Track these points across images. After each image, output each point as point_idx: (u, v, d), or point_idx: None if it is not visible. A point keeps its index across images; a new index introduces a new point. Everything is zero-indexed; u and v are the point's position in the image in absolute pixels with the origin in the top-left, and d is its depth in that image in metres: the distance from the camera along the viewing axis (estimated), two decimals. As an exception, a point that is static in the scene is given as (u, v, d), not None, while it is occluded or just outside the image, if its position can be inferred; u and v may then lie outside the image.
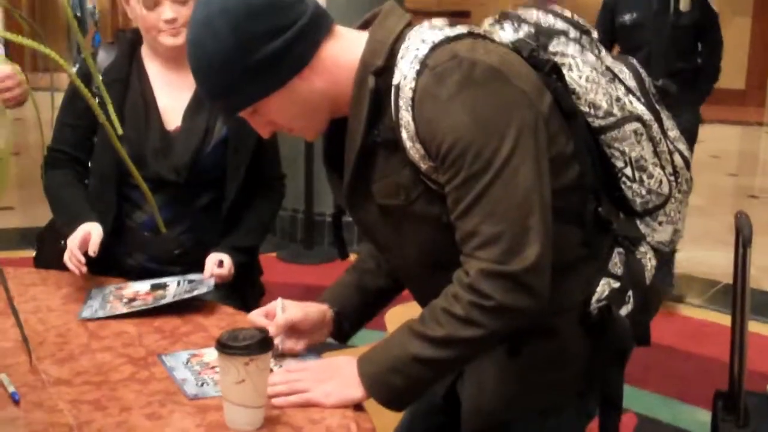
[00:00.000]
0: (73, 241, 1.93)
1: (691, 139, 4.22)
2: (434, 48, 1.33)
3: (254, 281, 2.34)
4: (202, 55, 1.35)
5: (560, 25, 1.48)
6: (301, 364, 1.51)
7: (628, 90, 1.49)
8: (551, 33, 1.46)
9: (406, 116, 1.33)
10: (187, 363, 1.60)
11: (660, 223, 1.51)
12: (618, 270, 1.47)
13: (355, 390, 1.40)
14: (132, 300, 1.88)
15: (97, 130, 2.16)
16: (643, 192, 1.48)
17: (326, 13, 1.40)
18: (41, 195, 2.17)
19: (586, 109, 1.45)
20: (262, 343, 1.33)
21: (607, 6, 4.50)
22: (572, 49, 1.46)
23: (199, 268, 2.06)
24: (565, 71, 1.44)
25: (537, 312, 1.33)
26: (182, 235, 2.16)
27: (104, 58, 2.20)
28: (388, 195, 1.41)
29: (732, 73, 11.37)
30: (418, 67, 1.32)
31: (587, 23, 1.52)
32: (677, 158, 1.52)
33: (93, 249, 1.92)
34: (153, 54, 2.20)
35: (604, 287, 1.45)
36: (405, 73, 1.33)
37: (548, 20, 1.48)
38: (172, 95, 2.18)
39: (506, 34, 1.48)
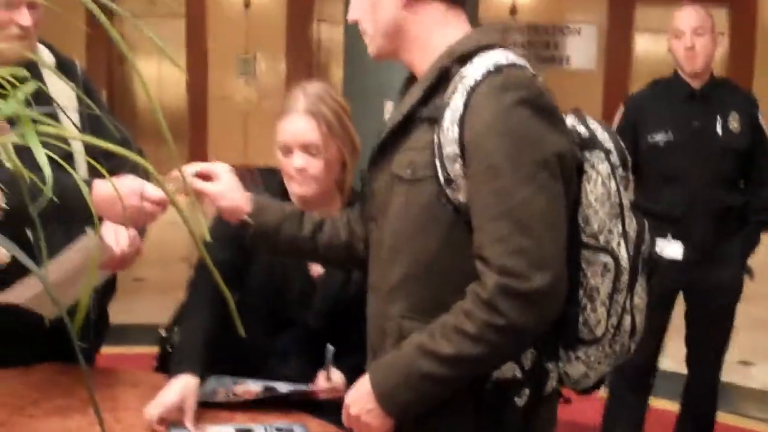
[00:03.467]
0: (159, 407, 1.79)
1: (733, 298, 3.23)
2: (515, 65, 1.43)
3: None
4: None
5: (609, 145, 1.53)
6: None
7: (624, 234, 1.50)
8: (596, 144, 1.51)
9: (457, 100, 1.42)
10: None
11: (577, 358, 1.50)
12: (526, 363, 1.46)
13: (367, 401, 1.45)
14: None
15: (250, 266, 2.07)
16: (580, 320, 1.47)
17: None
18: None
19: (579, 221, 1.48)
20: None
21: (628, 122, 3.22)
22: (603, 168, 1.50)
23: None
24: (583, 179, 1.50)
25: (540, 333, 1.40)
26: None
27: None
28: (400, 165, 1.49)
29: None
30: (492, 68, 1.41)
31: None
32: (626, 320, 1.51)
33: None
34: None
35: (509, 369, 1.44)
36: (476, 68, 1.43)
37: (604, 136, 1.53)
38: None
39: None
